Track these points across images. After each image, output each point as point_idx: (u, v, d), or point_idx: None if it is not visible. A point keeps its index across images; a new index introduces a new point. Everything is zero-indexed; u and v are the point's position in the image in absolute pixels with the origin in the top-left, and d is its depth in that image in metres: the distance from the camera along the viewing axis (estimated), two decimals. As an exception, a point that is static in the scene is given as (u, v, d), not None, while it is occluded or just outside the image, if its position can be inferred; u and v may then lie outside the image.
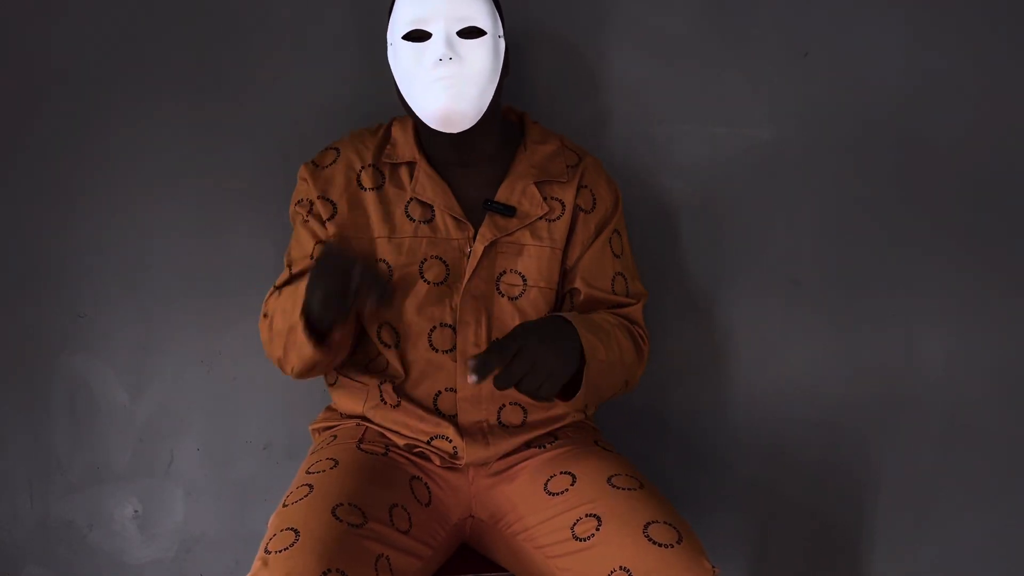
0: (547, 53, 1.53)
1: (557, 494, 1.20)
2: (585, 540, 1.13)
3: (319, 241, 1.28)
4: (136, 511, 1.59)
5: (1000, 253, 1.60)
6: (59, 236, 1.52)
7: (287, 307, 1.20)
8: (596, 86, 1.54)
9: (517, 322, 1.27)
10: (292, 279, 1.28)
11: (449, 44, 1.19)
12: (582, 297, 1.32)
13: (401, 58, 1.23)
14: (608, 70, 1.54)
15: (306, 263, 1.27)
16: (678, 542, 1.09)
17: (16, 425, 1.55)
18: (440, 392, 1.27)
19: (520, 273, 1.28)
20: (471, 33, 1.21)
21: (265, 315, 1.27)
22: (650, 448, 1.59)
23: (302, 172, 1.31)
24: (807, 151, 1.57)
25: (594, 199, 1.34)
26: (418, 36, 1.21)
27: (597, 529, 1.13)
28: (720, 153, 1.56)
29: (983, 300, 1.61)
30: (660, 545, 1.08)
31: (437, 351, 1.26)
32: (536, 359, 1.06)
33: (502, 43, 1.25)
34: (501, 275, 1.27)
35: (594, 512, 1.14)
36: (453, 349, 1.26)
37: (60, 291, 1.53)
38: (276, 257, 1.48)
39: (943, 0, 1.54)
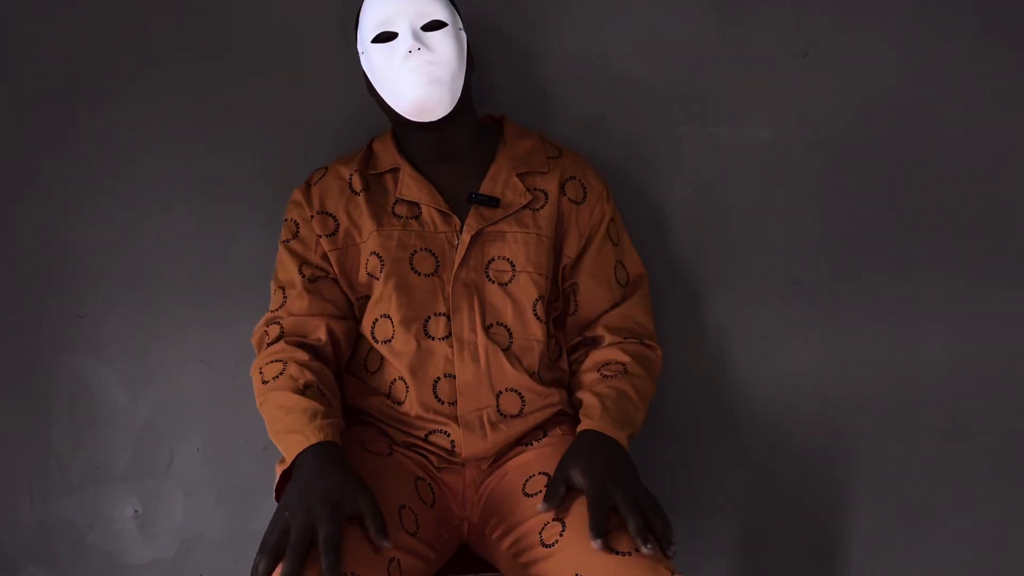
0: (545, 53, 1.53)
1: (532, 495, 1.19)
2: (550, 546, 1.11)
3: (304, 262, 1.32)
4: (136, 511, 1.59)
5: (1000, 253, 1.60)
6: (59, 236, 1.52)
7: (277, 420, 1.20)
8: (596, 86, 1.54)
9: (508, 307, 1.29)
10: (284, 304, 1.31)
11: (416, 37, 1.24)
12: (581, 293, 1.36)
13: (373, 60, 1.28)
14: (608, 70, 1.54)
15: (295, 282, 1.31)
16: (637, 550, 1.06)
17: (16, 425, 1.55)
18: (439, 379, 1.27)
19: (508, 259, 1.30)
20: (434, 26, 1.26)
21: (260, 371, 1.27)
22: (650, 448, 1.58)
23: (295, 196, 1.35)
24: (807, 151, 1.56)
25: (584, 190, 1.37)
26: (386, 37, 1.26)
27: (561, 535, 1.11)
28: (720, 153, 1.56)
29: (983, 300, 1.60)
30: (619, 553, 1.06)
31: (432, 339, 1.27)
32: (635, 496, 1.10)
33: (463, 35, 1.29)
34: (490, 262, 1.30)
35: (560, 517, 1.13)
36: (449, 336, 1.27)
37: (60, 291, 1.52)
38: (276, 256, 1.48)
39: (943, 0, 1.54)
